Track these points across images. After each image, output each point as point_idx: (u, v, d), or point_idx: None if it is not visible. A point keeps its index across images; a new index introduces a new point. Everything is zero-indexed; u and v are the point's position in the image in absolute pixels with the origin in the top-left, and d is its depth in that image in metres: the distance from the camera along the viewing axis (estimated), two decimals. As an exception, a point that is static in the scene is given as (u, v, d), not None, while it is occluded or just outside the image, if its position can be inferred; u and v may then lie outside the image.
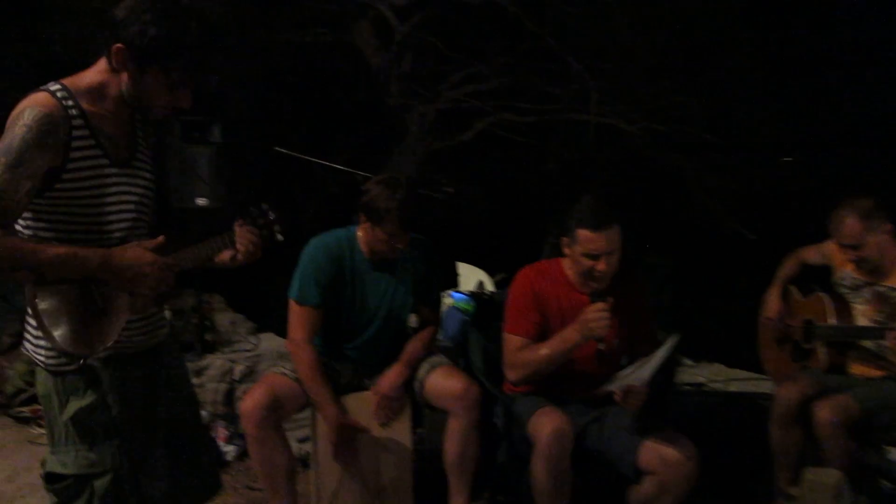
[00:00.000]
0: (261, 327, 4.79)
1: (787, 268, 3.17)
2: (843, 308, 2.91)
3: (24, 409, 3.51)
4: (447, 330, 3.24)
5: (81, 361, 1.68)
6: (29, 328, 1.73)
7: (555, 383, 2.51)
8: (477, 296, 3.33)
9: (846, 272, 2.95)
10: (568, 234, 2.46)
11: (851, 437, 2.65)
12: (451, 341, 3.17)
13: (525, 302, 2.53)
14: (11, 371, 3.81)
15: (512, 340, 2.52)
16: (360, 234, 2.67)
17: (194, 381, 3.53)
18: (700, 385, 3.44)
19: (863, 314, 2.88)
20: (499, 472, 2.67)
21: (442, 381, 2.66)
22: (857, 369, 2.89)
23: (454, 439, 2.61)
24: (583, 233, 2.39)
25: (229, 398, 3.60)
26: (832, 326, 2.89)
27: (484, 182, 7.41)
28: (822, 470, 2.52)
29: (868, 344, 2.86)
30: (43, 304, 1.62)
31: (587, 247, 2.39)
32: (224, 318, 4.78)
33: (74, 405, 1.70)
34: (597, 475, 2.47)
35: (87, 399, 1.71)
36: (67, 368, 1.70)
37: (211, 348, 3.73)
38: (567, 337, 2.38)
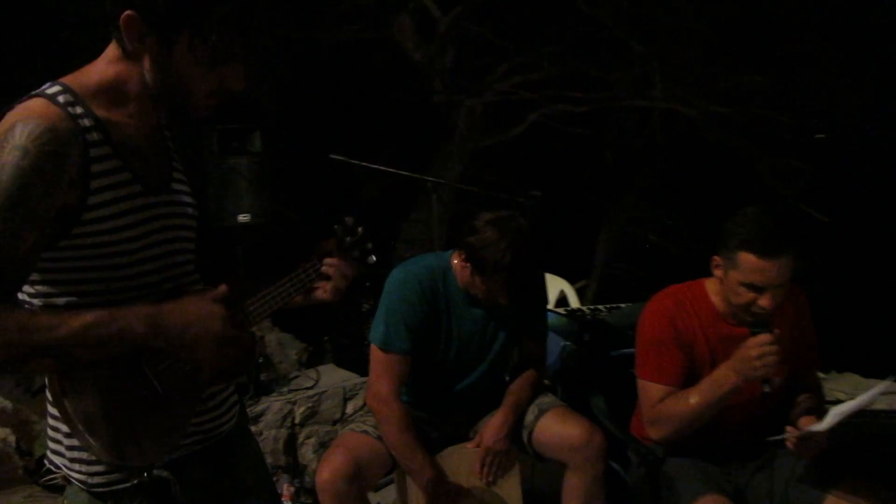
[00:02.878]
0: (313, 351, 4.41)
1: None
2: None
3: (57, 474, 3.05)
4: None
5: (145, 474, 1.21)
6: (55, 435, 1.25)
7: (705, 434, 2.03)
8: (576, 317, 2.86)
9: None
10: (723, 254, 1.96)
11: None
12: (548, 370, 2.71)
13: (663, 340, 2.04)
14: (41, 426, 3.39)
15: (652, 390, 2.03)
16: (455, 262, 2.23)
17: (251, 428, 3.13)
18: (840, 402, 2.92)
19: None
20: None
21: (556, 428, 2.22)
22: None
23: (576, 497, 2.19)
24: (746, 257, 1.88)
25: (291, 446, 3.20)
26: None
27: (537, 178, 6.99)
28: None
29: None
30: (76, 400, 1.13)
31: (750, 276, 1.88)
32: (271, 339, 4.39)
33: None
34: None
35: None
36: (120, 487, 1.22)
37: (267, 389, 3.30)
38: (722, 380, 1.90)
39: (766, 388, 1.86)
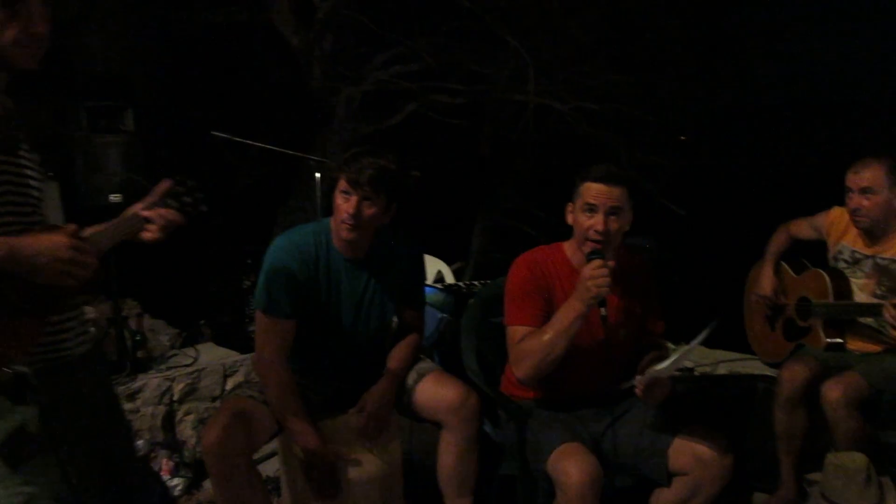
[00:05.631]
0: (188, 334, 4.35)
1: (777, 243, 3.01)
2: (842, 283, 2.77)
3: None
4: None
5: (5, 370, 1.35)
6: None
7: (563, 384, 2.24)
8: (453, 290, 3.01)
9: (844, 245, 2.81)
10: (574, 198, 2.24)
11: (861, 415, 2.51)
12: (427, 341, 2.85)
13: (526, 287, 2.24)
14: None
15: (515, 332, 2.22)
16: (333, 224, 2.31)
17: (127, 406, 3.10)
18: (690, 370, 3.26)
19: (861, 289, 2.75)
20: (501, 486, 2.38)
21: (434, 391, 2.34)
22: (856, 345, 2.77)
23: (451, 455, 2.31)
24: (587, 185, 2.19)
25: (170, 422, 3.17)
26: (831, 303, 2.74)
27: (415, 167, 7.11)
28: (847, 454, 2.36)
29: (868, 319, 2.74)
30: None
31: (588, 198, 2.16)
32: (142, 326, 4.30)
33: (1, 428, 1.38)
34: (615, 482, 2.22)
35: (16, 419, 1.39)
36: None
37: (144, 367, 3.27)
38: (567, 309, 2.11)
39: (603, 312, 2.09)
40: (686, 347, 2.06)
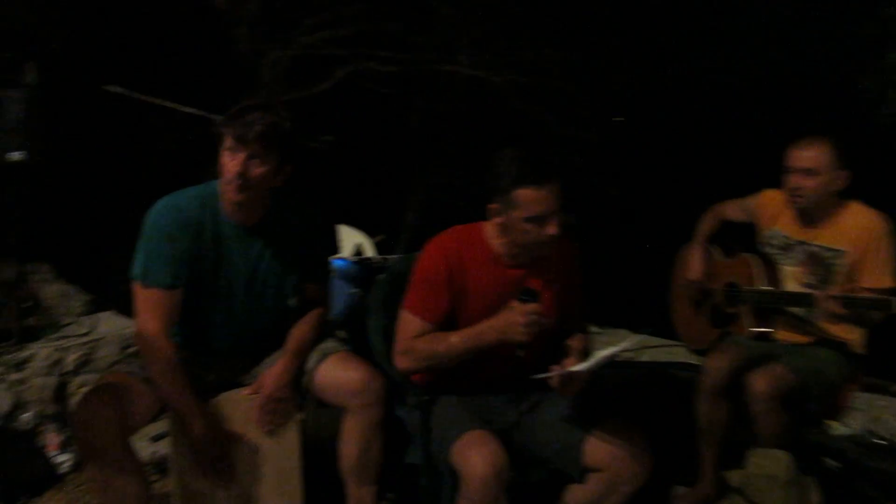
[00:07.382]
0: (101, 301, 4.08)
1: (707, 225, 2.91)
2: (772, 270, 2.69)
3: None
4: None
5: None
6: None
7: (468, 373, 2.08)
8: (366, 264, 2.83)
9: (776, 230, 2.72)
10: (500, 199, 1.99)
11: (786, 410, 2.43)
12: (336, 318, 2.66)
13: (436, 279, 2.05)
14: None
15: (411, 322, 2.05)
16: (221, 187, 2.07)
17: (14, 376, 2.86)
18: (613, 355, 3.15)
19: (792, 276, 2.66)
20: (407, 474, 2.22)
21: (336, 373, 2.16)
22: (783, 335, 2.69)
23: (353, 441, 2.14)
24: (525, 193, 1.93)
25: (61, 394, 2.94)
26: (760, 290, 2.66)
27: (344, 135, 6.93)
28: (770, 452, 2.28)
29: (796, 309, 2.65)
30: None
31: (533, 209, 1.93)
32: (53, 291, 4.02)
33: None
34: (526, 475, 2.08)
35: None
36: None
37: (34, 335, 3.02)
38: (484, 335, 1.96)
39: (520, 353, 1.94)
40: (610, 351, 1.93)
